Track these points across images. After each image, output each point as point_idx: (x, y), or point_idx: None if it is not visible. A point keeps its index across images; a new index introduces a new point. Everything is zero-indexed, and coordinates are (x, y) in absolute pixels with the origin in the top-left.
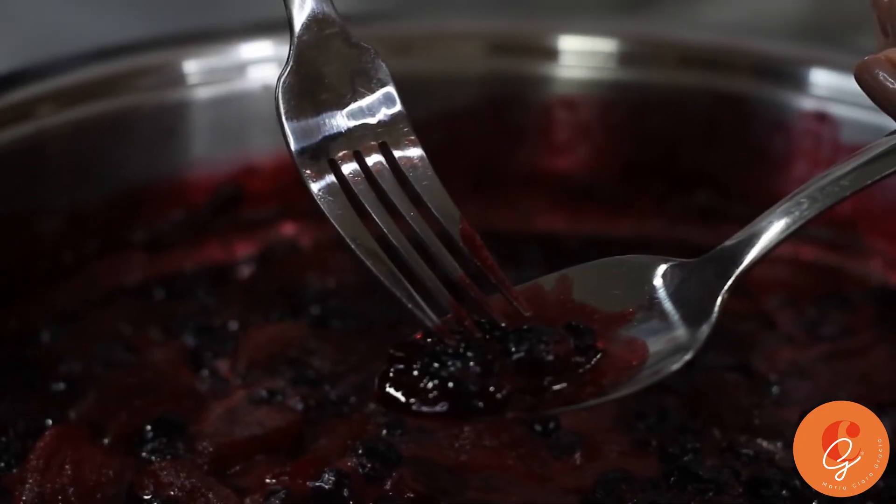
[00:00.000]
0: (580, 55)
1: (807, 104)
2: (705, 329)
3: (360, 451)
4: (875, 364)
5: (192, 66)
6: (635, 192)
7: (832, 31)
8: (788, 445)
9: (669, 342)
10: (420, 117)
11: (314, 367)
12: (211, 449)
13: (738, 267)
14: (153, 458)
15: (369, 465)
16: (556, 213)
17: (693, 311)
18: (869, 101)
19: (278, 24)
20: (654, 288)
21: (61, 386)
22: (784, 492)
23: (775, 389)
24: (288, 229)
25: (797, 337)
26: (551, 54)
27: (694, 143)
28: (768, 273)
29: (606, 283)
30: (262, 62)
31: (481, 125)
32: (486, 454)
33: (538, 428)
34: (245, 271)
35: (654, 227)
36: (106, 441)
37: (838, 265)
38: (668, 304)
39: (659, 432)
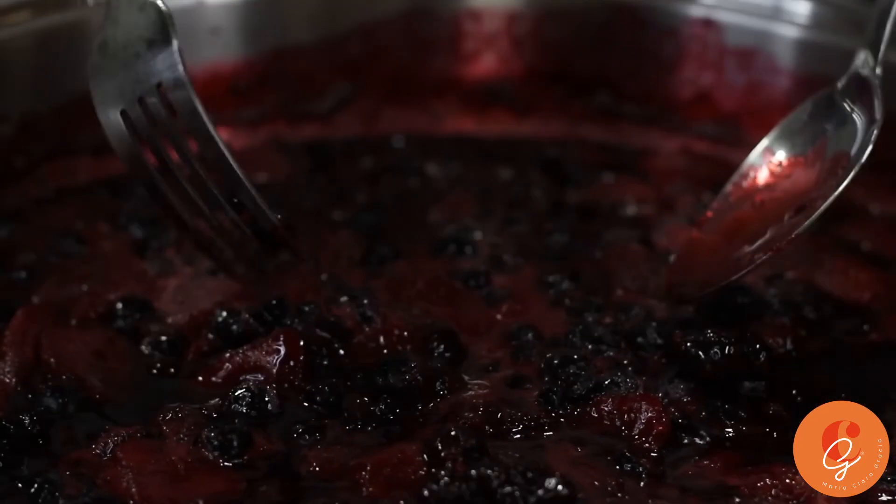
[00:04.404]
0: None
1: (695, 11)
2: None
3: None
4: None
5: None
6: (539, 96)
7: None
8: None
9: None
10: (342, 30)
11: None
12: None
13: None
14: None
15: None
16: (466, 116)
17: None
18: (752, 7)
19: None
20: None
21: (22, 274)
22: (659, 340)
23: (672, 259)
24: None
25: (695, 217)
26: None
27: (592, 49)
28: (668, 163)
29: (795, 136)
30: None
31: (397, 36)
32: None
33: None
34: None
35: (557, 127)
36: (73, 322)
37: (726, 157)
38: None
39: (571, 292)
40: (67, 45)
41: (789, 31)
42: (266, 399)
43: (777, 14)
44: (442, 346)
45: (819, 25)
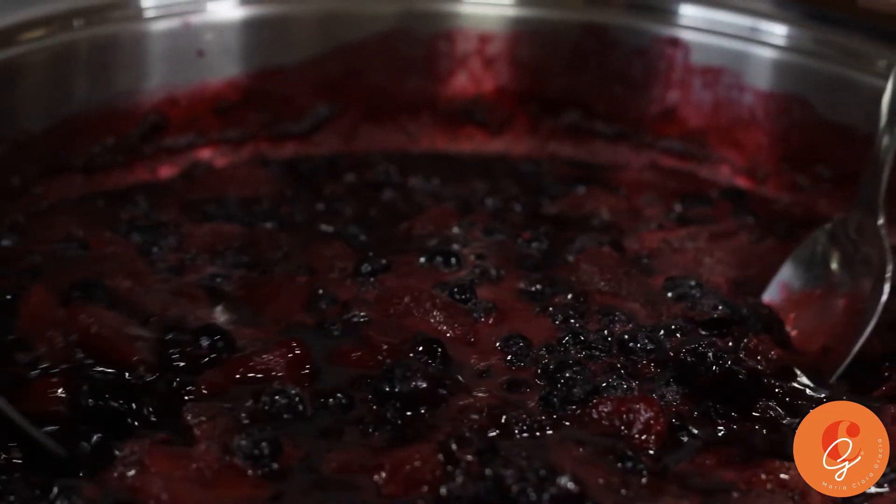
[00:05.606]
0: None
1: (663, 31)
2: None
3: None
4: (737, 245)
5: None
6: (510, 115)
7: None
8: (649, 303)
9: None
10: (323, 52)
11: (251, 255)
12: None
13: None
14: None
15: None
16: (439, 134)
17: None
18: (716, 26)
19: None
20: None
21: (28, 273)
22: (649, 344)
23: (645, 262)
24: (204, 154)
25: (666, 224)
26: None
27: (563, 69)
28: (636, 176)
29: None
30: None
31: (375, 58)
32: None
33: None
34: (174, 187)
35: (528, 145)
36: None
37: (693, 171)
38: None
39: (552, 299)
40: (62, 67)
41: (765, 52)
42: (299, 402)
43: (754, 35)
44: (427, 355)
45: (794, 48)
